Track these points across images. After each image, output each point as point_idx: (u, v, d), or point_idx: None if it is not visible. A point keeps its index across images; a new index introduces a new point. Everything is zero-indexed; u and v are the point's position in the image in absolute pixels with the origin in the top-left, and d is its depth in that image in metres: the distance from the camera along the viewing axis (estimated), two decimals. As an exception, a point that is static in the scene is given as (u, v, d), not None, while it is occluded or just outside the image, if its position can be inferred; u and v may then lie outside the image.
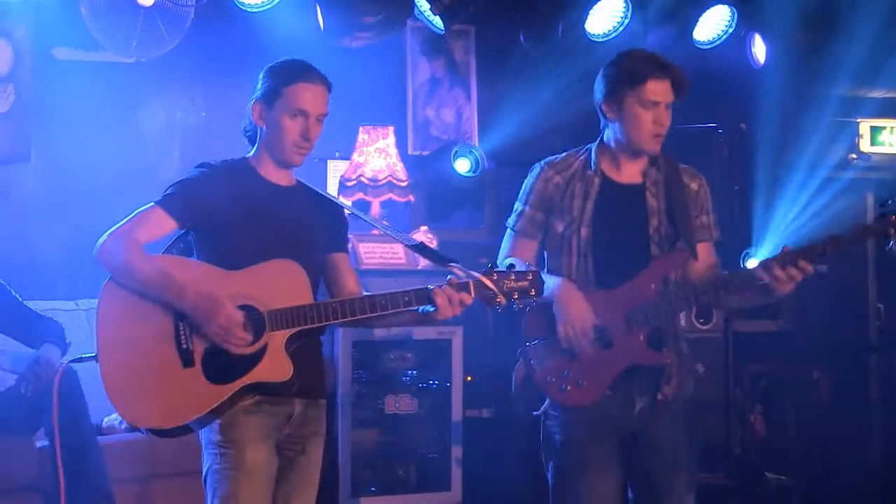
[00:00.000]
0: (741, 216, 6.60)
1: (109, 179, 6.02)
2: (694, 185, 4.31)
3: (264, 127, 4.04)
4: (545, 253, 4.37)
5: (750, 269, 4.47)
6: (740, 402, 6.43)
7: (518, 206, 4.39)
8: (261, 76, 4.06)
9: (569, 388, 4.16)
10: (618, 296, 4.22)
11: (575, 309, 4.14)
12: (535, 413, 4.36)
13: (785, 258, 4.02)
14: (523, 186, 4.39)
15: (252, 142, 4.10)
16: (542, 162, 4.39)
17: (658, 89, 4.16)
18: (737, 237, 6.38)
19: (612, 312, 4.19)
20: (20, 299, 5.51)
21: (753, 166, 6.56)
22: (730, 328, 6.09)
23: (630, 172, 4.33)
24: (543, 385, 4.21)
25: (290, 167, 4.07)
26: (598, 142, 4.39)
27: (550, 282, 4.07)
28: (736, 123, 6.74)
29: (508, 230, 4.40)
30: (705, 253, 4.27)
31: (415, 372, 5.92)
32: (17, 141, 6.24)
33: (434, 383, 5.88)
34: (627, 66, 4.27)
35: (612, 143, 4.32)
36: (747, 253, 6.24)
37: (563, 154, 4.40)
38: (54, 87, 6.20)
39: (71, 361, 4.85)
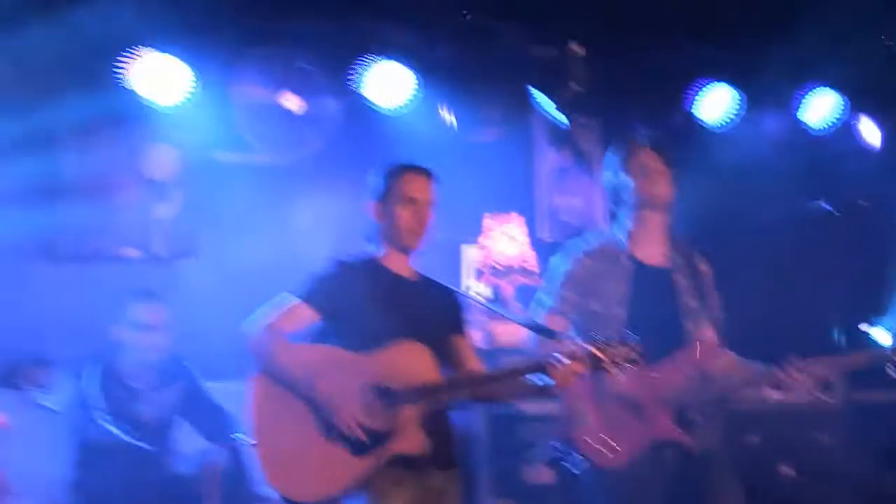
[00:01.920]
0: (867, 288, 6.60)
1: (267, 270, 6.15)
2: (704, 268, 4.73)
3: (382, 222, 4.46)
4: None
5: (768, 370, 4.70)
6: (867, 471, 6.30)
7: (551, 286, 4.77)
8: (370, 179, 4.52)
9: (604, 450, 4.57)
10: (653, 375, 4.56)
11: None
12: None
13: (799, 366, 4.41)
14: (555, 269, 4.77)
15: (374, 241, 4.50)
16: (575, 248, 4.79)
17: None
18: (861, 306, 6.41)
19: (645, 390, 4.55)
20: (206, 388, 5.96)
21: (877, 241, 6.63)
22: (851, 398, 6.06)
23: (655, 254, 4.73)
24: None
25: (410, 251, 4.43)
26: (622, 226, 4.78)
27: None
28: (854, 201, 6.73)
29: (540, 308, 4.76)
30: (712, 333, 4.66)
31: (553, 442, 5.92)
32: (186, 239, 6.82)
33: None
34: None
35: (633, 227, 4.71)
36: (873, 321, 6.28)
37: (592, 239, 4.82)
38: (217, 187, 6.63)
39: (232, 442, 5.32)
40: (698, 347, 4.73)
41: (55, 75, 6.23)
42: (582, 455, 4.66)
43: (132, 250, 6.79)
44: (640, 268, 4.82)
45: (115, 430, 5.95)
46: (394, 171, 4.55)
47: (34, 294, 6.65)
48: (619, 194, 4.90)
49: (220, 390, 5.96)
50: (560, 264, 4.91)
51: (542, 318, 4.81)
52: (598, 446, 4.64)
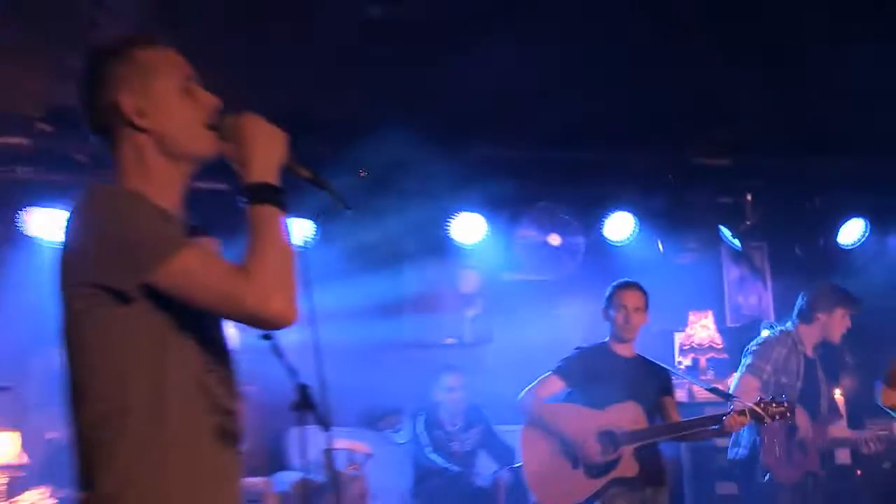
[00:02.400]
0: None
1: (540, 351, 6.27)
2: (844, 360, 5.91)
3: (608, 321, 5.25)
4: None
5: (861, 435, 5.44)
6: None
7: (752, 360, 5.37)
8: (607, 293, 5.24)
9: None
10: (814, 426, 5.24)
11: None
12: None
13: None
14: (758, 347, 5.38)
15: (607, 333, 5.22)
16: (769, 336, 5.46)
17: None
18: None
19: (809, 436, 5.26)
20: (497, 430, 6.67)
21: None
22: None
23: (809, 348, 5.47)
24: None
25: (629, 342, 5.20)
26: (796, 328, 5.47)
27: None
28: None
29: (747, 374, 5.34)
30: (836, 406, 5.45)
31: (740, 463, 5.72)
32: (483, 330, 7.80)
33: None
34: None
35: (809, 327, 5.36)
36: None
37: (779, 334, 5.47)
38: (504, 295, 7.57)
39: (513, 467, 5.97)
40: (826, 416, 5.38)
41: (406, 236, 6.86)
42: (767, 472, 5.22)
43: (450, 339, 7.68)
44: (805, 356, 5.46)
45: (437, 459, 6.76)
46: (616, 285, 5.28)
47: (388, 369, 7.20)
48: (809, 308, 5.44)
49: (505, 432, 6.61)
50: (762, 344, 5.44)
51: (742, 377, 5.29)
52: (779, 468, 5.24)
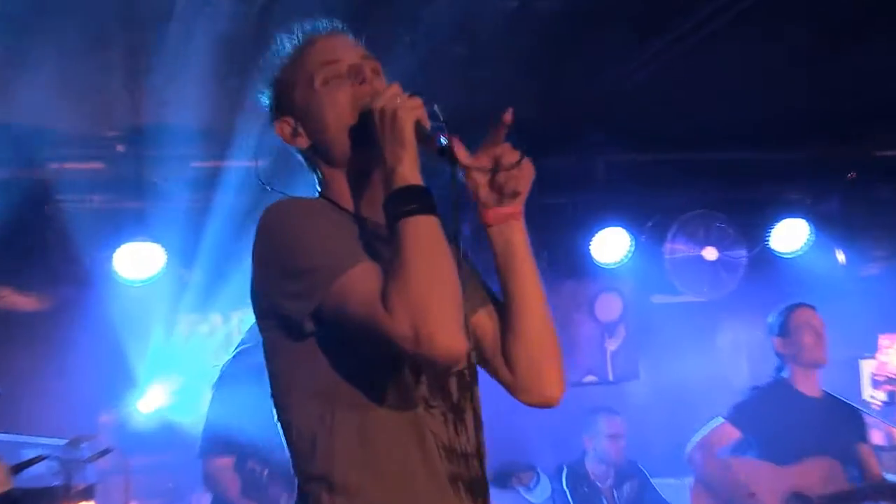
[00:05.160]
0: None
1: (696, 387, 6.70)
2: None
3: (786, 351, 4.95)
4: None
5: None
6: None
7: None
8: (771, 320, 5.03)
9: None
10: None
11: None
12: None
13: None
14: None
15: (782, 367, 4.98)
16: None
17: None
18: None
19: None
20: (653, 485, 6.40)
21: None
22: None
23: None
24: None
25: (817, 368, 4.93)
26: None
27: None
28: None
29: None
30: None
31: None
32: (628, 364, 7.40)
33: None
34: None
35: None
36: None
37: None
38: (653, 322, 7.23)
39: None
40: None
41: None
42: None
43: (589, 377, 7.30)
44: None
45: (581, 519, 6.37)
46: (789, 307, 5.03)
47: (515, 415, 6.00)
48: None
49: (662, 485, 6.37)
50: None
51: None
52: None
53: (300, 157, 2.32)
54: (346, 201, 2.26)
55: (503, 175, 2.24)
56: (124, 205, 6.02)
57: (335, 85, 2.23)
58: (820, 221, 6.91)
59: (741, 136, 6.21)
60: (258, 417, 2.91)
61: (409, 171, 2.09)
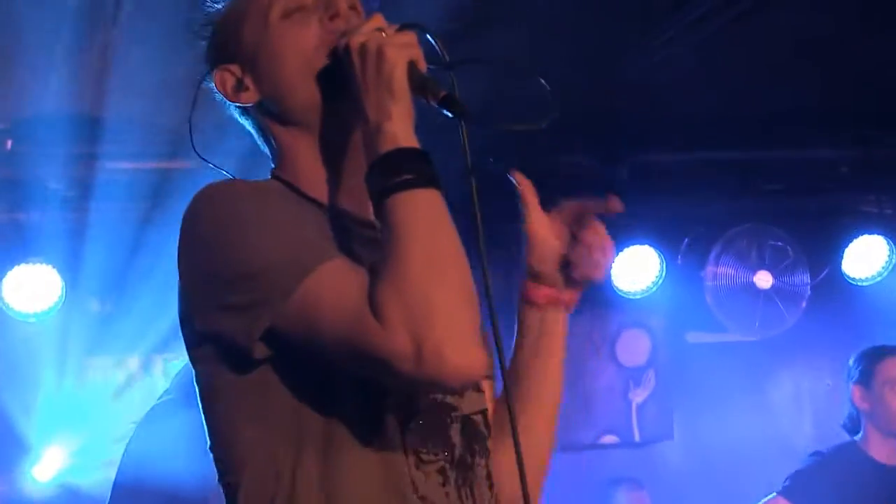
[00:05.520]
0: None
1: (746, 450, 6.30)
2: None
3: (866, 406, 4.57)
4: None
5: None
6: None
7: None
8: (851, 363, 4.74)
9: None
10: None
11: None
12: None
13: None
14: None
15: (852, 431, 4.64)
16: None
17: None
18: None
19: None
20: None
21: None
22: None
23: None
24: None
25: None
26: None
27: None
28: None
29: None
30: None
31: None
32: (660, 421, 6.88)
33: None
34: None
35: None
36: None
37: None
38: (689, 368, 6.69)
39: None
40: None
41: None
42: None
43: (610, 437, 6.84)
44: None
45: None
46: (877, 353, 4.68)
47: None
48: None
49: None
50: None
51: None
52: None
53: (246, 122, 2.00)
54: (311, 184, 1.93)
55: (577, 252, 2.08)
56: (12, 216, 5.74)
57: (298, 19, 1.94)
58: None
59: (804, 129, 6.00)
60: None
61: (402, 130, 1.80)
